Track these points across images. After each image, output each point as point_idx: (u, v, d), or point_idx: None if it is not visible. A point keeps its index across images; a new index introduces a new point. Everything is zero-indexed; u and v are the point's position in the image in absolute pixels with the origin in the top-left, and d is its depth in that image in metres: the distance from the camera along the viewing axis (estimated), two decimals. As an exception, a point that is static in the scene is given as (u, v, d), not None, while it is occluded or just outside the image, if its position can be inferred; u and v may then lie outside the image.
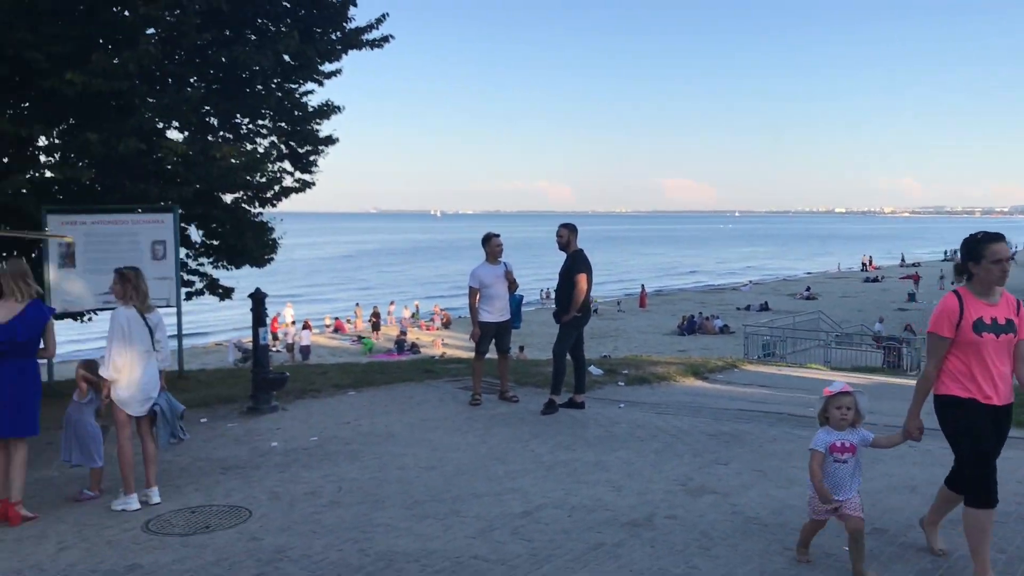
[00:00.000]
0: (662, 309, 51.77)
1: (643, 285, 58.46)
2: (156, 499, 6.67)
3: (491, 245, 10.21)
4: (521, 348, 28.22)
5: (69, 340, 23.30)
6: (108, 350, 6.50)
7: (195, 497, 6.83)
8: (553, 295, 10.54)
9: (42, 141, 12.14)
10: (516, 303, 10.46)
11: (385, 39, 13.59)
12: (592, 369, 12.07)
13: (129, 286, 6.65)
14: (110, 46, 10.86)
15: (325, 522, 6.15)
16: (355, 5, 13.35)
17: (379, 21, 13.52)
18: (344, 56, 13.59)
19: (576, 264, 9.71)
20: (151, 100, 11.66)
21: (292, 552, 5.58)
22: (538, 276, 55.25)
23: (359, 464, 7.71)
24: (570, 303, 9.65)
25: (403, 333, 39.15)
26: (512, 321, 10.35)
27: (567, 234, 9.84)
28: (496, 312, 10.14)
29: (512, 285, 10.25)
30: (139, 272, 6.80)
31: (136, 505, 6.57)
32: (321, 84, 14.02)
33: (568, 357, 9.95)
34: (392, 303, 49.11)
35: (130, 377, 6.53)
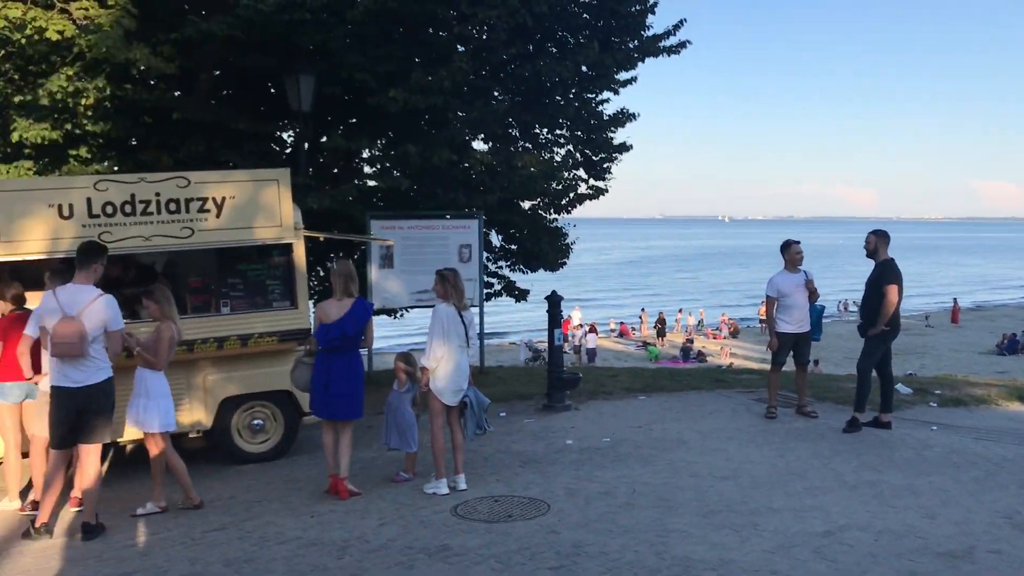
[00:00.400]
0: (977, 325, 47.09)
1: (955, 299, 53.53)
2: (463, 486, 7.13)
3: (791, 252, 9.84)
4: (816, 362, 26.89)
5: (384, 336, 25.51)
6: (429, 342, 7.04)
7: (497, 487, 7.22)
8: (853, 307, 9.96)
9: (365, 153, 13.41)
10: (817, 314, 9.99)
11: (682, 45, 13.57)
12: (899, 388, 11.24)
13: (448, 285, 7.15)
14: (426, 64, 11.74)
15: (620, 522, 6.25)
16: (653, 13, 13.45)
17: (676, 27, 13.52)
18: (640, 64, 13.74)
19: (885, 274, 9.09)
20: (461, 114, 12.49)
21: (589, 548, 5.73)
22: (838, 286, 52.40)
23: (651, 468, 7.74)
24: (878, 316, 9.06)
25: (689, 341, 38.77)
26: (812, 333, 9.90)
27: (875, 241, 9.24)
28: (795, 322, 9.74)
29: (812, 295, 9.81)
30: (457, 273, 7.29)
31: (445, 490, 7.07)
32: (616, 92, 14.27)
33: (874, 373, 9.36)
34: (680, 310, 48.78)
35: (446, 368, 7.03)
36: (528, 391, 11.44)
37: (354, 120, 13.18)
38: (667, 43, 13.51)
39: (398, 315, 14.31)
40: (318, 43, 11.05)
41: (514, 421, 9.84)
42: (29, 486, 7.38)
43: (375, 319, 8.25)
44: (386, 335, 26.49)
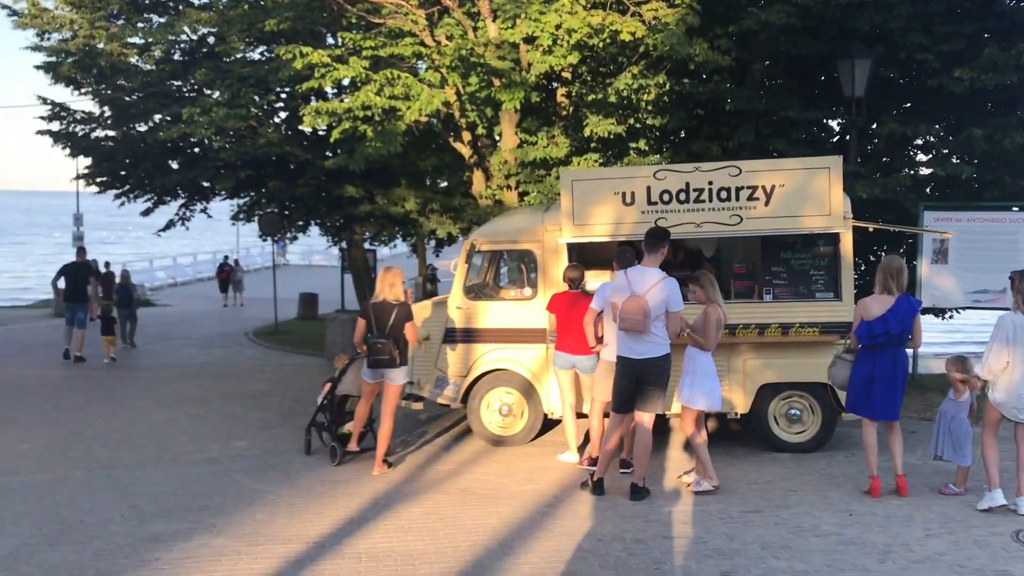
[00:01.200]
0: None
1: None
2: (1024, 509, 6.33)
3: None
4: None
5: (932, 339, 23.61)
6: (987, 352, 6.38)
7: (1073, 519, 6.27)
8: None
9: (919, 140, 12.46)
10: None
11: None
12: None
13: (1012, 288, 6.39)
14: (999, 39, 10.54)
15: None
16: None
17: None
18: None
19: None
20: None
21: None
22: None
23: None
24: None
25: None
26: None
27: None
28: None
29: None
30: (1024, 274, 6.46)
31: (1001, 499, 6.38)
32: None
33: None
34: None
35: (1008, 380, 6.30)
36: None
37: (909, 104, 12.38)
38: None
39: (947, 316, 13.12)
40: (876, 24, 10.56)
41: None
42: (585, 442, 8.24)
43: (923, 318, 7.66)
44: (935, 338, 24.46)
